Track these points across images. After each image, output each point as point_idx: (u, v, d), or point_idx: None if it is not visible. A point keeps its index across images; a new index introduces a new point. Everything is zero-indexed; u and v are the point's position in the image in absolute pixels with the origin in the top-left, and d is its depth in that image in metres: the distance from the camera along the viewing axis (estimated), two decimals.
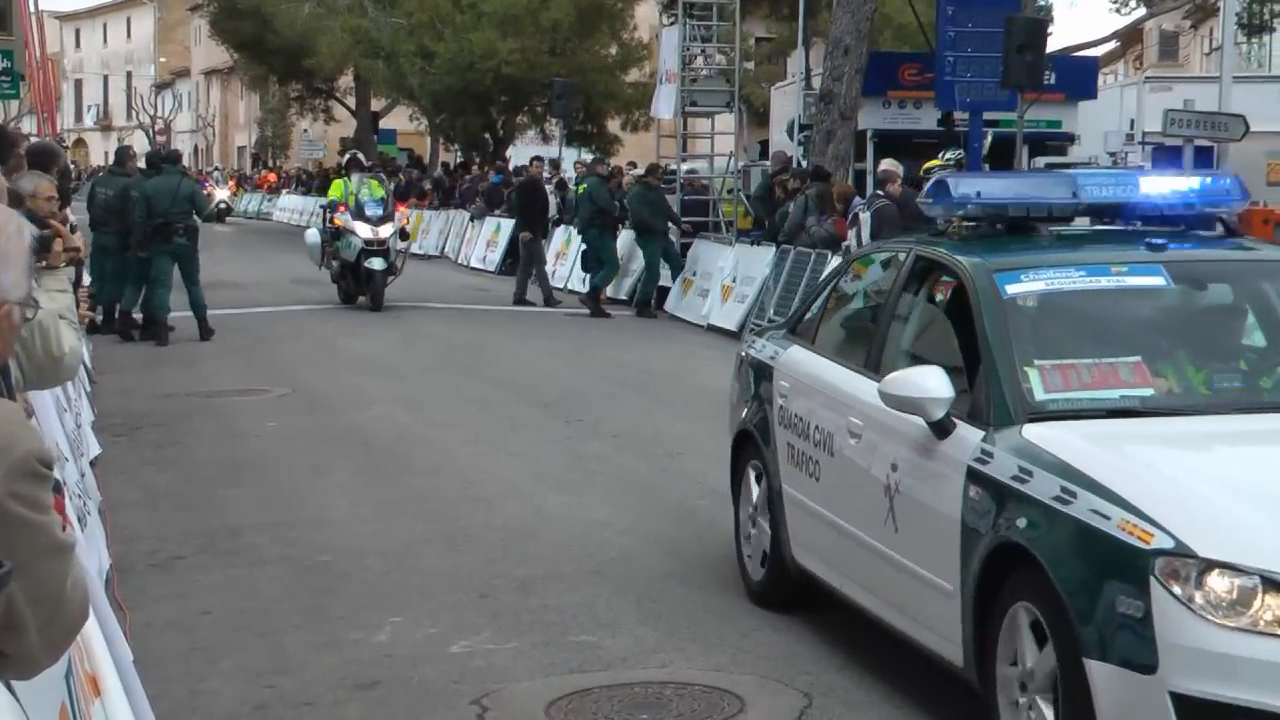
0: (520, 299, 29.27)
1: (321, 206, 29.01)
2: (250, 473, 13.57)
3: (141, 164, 26.48)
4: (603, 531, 11.27)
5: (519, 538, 11.09)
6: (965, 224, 8.66)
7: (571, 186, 34.24)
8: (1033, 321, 7.69)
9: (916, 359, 8.00)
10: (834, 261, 22.16)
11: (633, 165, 36.68)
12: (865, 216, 20.15)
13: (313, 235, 28.88)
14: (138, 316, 23.44)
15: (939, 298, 8.44)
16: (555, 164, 40.87)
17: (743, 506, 9.88)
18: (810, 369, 9.13)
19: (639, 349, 22.97)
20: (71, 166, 32.46)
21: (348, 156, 31.54)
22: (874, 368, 8.27)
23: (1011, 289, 7.69)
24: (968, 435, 7.15)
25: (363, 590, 9.83)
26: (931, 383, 7.27)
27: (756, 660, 8.46)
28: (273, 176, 78.66)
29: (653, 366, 20.86)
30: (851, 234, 20.96)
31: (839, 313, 9.76)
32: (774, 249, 24.09)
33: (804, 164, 27.88)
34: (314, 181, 65.80)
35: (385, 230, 27.20)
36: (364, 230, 26.96)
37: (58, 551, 3.23)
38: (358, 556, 10.59)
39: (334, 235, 27.74)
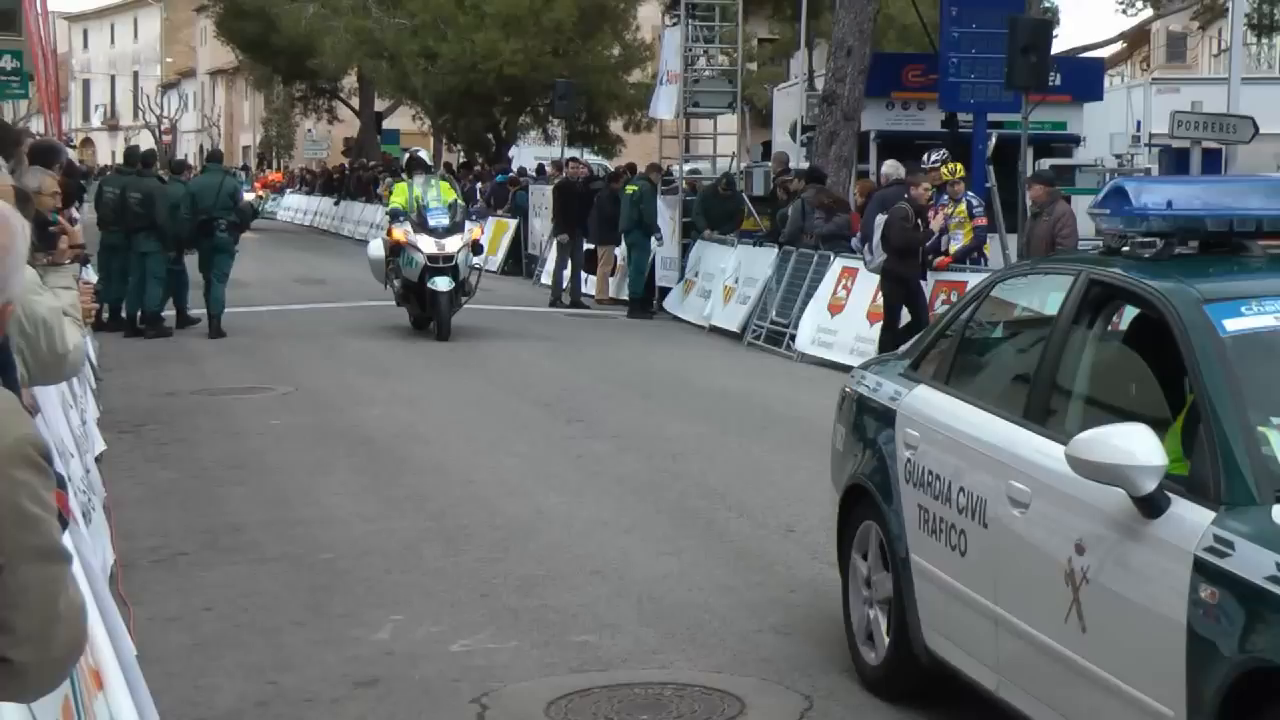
0: (556, 300, 29.41)
1: (388, 214, 24.49)
2: (253, 470, 13.62)
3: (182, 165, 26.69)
4: (603, 531, 11.31)
5: (519, 537, 11.13)
6: (1143, 239, 7.00)
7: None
8: (1263, 367, 6.21)
9: (1098, 409, 6.69)
10: (837, 263, 22.19)
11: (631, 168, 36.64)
12: (879, 219, 20.06)
13: (375, 248, 24.96)
14: (168, 315, 23.95)
15: (1124, 332, 7.15)
16: (558, 164, 40.91)
17: (854, 575, 8.36)
18: (948, 416, 7.56)
19: (640, 349, 23.01)
20: (79, 165, 32.51)
21: (408, 155, 26.63)
22: (1037, 418, 6.84)
23: (1231, 325, 6.15)
24: (1191, 516, 5.61)
25: (364, 588, 9.86)
26: (1138, 446, 5.69)
27: (757, 662, 8.49)
28: (278, 176, 78.70)
29: (653, 367, 20.91)
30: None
31: (980, 347, 8.39)
32: (776, 250, 24.12)
33: (803, 166, 27.90)
34: (318, 181, 65.87)
35: (452, 244, 23.16)
36: (427, 244, 23.02)
37: (52, 555, 3.18)
38: (359, 554, 10.63)
39: (395, 250, 23.73)
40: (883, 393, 8.29)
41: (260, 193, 69.00)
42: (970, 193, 21.15)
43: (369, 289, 27.88)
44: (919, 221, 19.67)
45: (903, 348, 9.46)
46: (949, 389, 7.78)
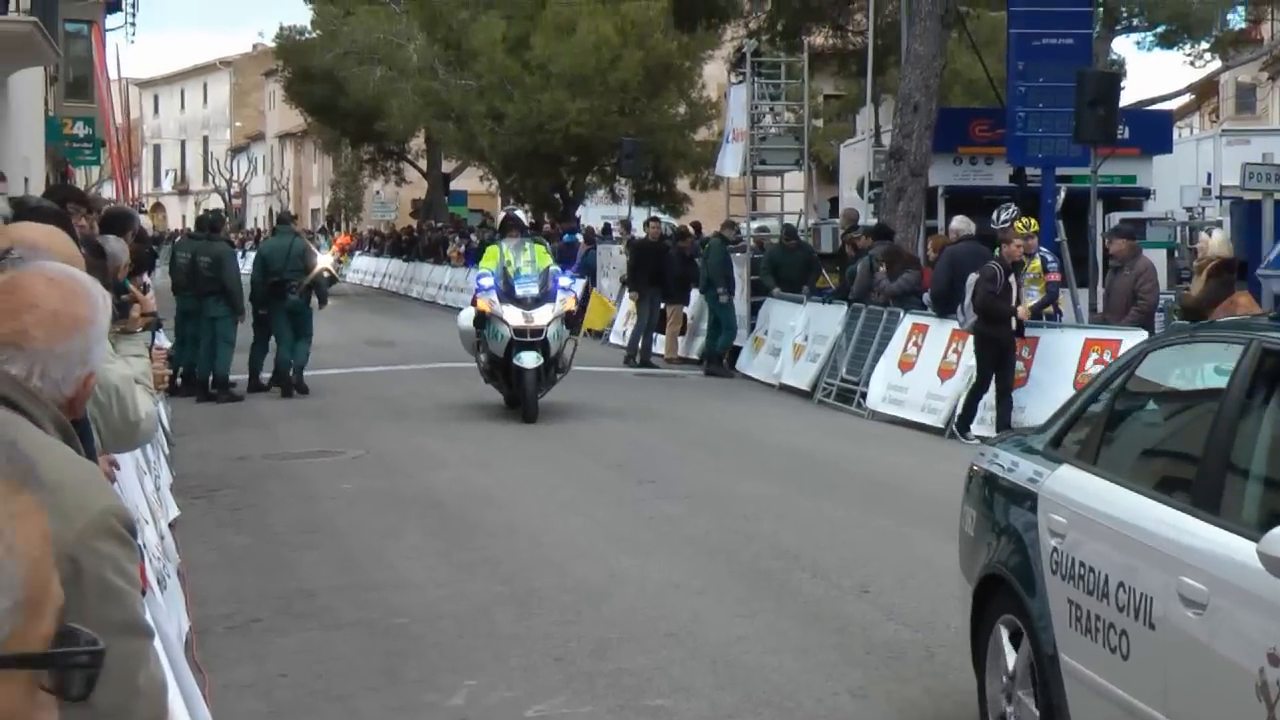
0: (630, 359, 29.39)
1: (479, 279, 21.83)
2: (325, 535, 13.63)
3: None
4: (676, 594, 11.25)
5: (592, 600, 11.09)
6: None
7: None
8: None
9: None
10: (907, 320, 22.11)
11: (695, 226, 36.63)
12: (971, 279, 19.81)
13: (465, 318, 22.25)
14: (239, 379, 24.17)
15: None
16: (625, 224, 41.03)
17: (991, 674, 7.63)
18: (1101, 501, 6.78)
19: (710, 409, 22.96)
20: (150, 231, 32.81)
21: (503, 215, 24.47)
22: (1209, 505, 6.05)
23: None
24: None
25: (437, 653, 9.84)
26: None
27: None
28: (346, 239, 79.19)
29: (724, 426, 20.86)
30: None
31: (1134, 423, 7.58)
32: (846, 307, 24.06)
33: (871, 222, 27.87)
34: (386, 243, 66.20)
35: (542, 315, 20.80)
36: (514, 315, 20.78)
37: (135, 630, 3.17)
38: (432, 619, 10.61)
39: (480, 319, 21.56)
40: (1020, 473, 7.55)
41: (341, 256, 64.95)
42: (1044, 248, 21.01)
43: (438, 351, 27.98)
44: (1009, 282, 19.34)
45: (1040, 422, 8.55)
46: (1099, 470, 7.03)
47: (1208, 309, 18.10)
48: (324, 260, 41.76)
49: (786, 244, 27.96)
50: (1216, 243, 19.05)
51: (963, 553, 8.13)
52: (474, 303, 21.78)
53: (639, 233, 36.68)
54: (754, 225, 31.17)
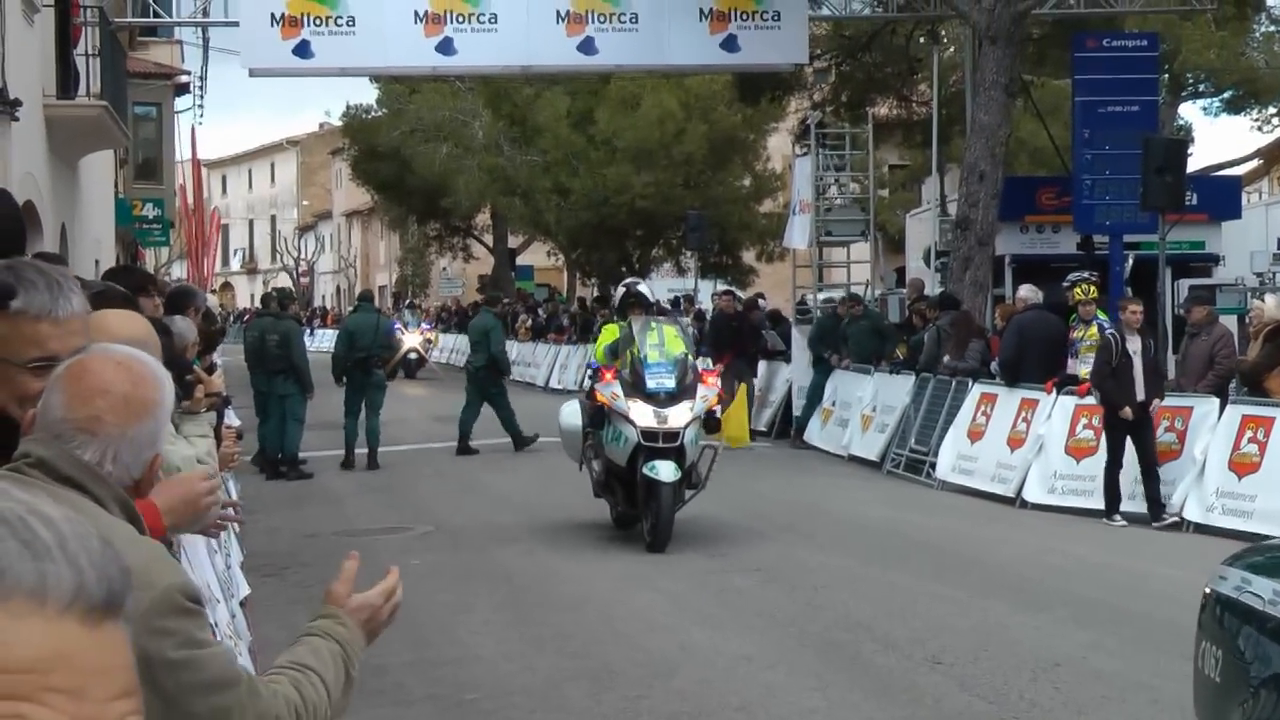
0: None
1: (589, 367, 18.65)
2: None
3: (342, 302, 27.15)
4: (747, 667, 11.19)
5: (663, 674, 11.03)
6: None
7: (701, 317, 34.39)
8: None
9: None
10: (975, 389, 22.00)
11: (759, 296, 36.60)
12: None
13: (569, 415, 18.11)
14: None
15: None
16: (690, 297, 41.10)
17: None
18: None
19: (779, 480, 22.89)
20: (220, 310, 33.11)
21: (623, 288, 19.24)
22: None
23: None
24: None
25: None
26: None
27: None
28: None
29: (793, 498, 20.79)
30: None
31: None
32: (914, 378, 23.97)
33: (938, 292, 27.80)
34: (453, 319, 66.45)
35: (679, 415, 16.48)
36: (644, 414, 16.46)
37: (218, 686, 3.23)
38: (504, 694, 10.58)
39: (596, 416, 17.28)
40: None
41: (430, 336, 57.64)
42: (1101, 316, 20.77)
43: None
44: (1127, 352, 18.33)
45: None
46: None
47: (1265, 373, 17.92)
48: (410, 340, 41.43)
49: (847, 312, 27.70)
50: (1271, 306, 18.84)
51: (1201, 699, 6.56)
52: (590, 395, 17.03)
53: (704, 305, 36.77)
54: (820, 297, 31.16)
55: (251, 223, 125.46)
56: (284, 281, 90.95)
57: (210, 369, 7.18)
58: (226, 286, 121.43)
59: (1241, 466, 17.03)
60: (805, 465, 25.02)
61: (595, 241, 54.44)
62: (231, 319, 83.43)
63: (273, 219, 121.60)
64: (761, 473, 23.90)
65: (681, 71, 39.84)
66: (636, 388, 16.50)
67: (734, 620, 12.89)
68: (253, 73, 29.38)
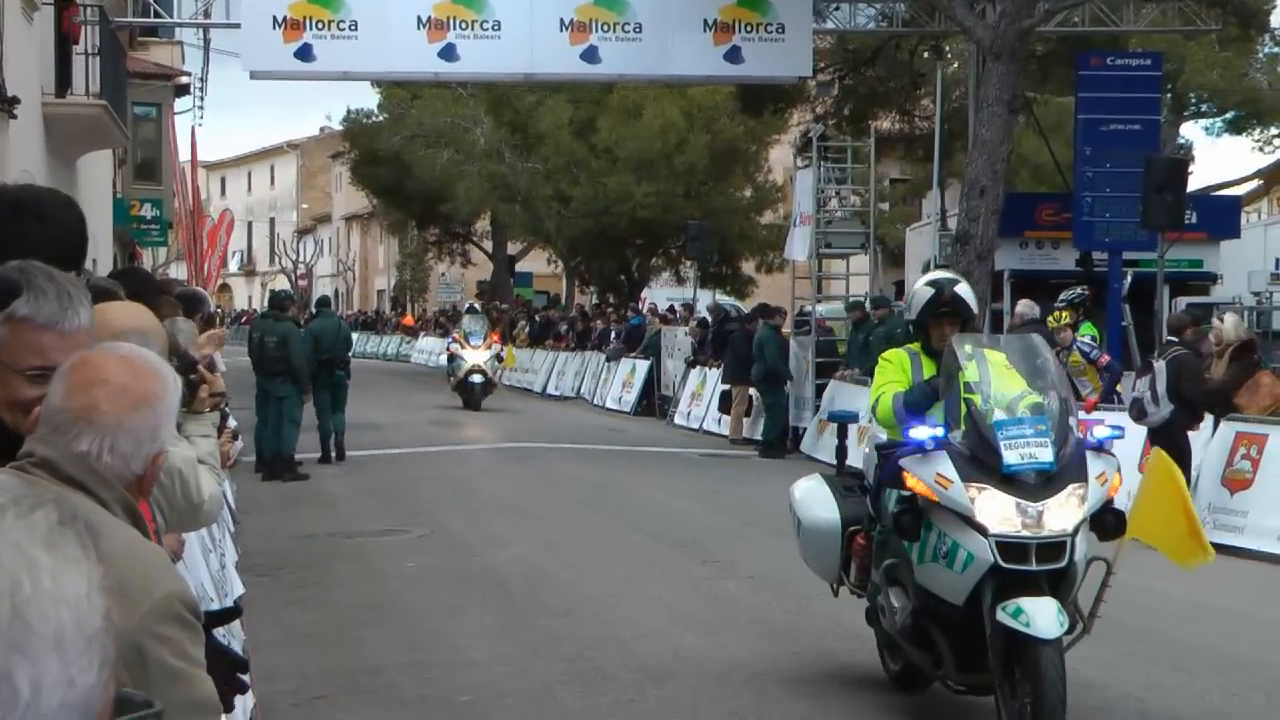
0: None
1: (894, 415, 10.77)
2: (390, 613, 13.64)
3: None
4: (740, 674, 11.21)
5: (655, 679, 11.05)
6: None
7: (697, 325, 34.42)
8: None
9: None
10: None
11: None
12: (1160, 366, 18.81)
13: (813, 501, 11.66)
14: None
15: None
16: (688, 306, 41.13)
17: None
18: None
19: (774, 489, 22.81)
20: (217, 311, 33.23)
21: (924, 289, 10.76)
22: None
23: None
24: None
25: None
26: None
27: None
28: (409, 320, 79.54)
29: (788, 507, 20.75)
30: (1143, 385, 18.51)
31: None
32: None
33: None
34: (451, 325, 66.48)
35: (1062, 513, 9.26)
36: (1001, 512, 9.25)
37: (202, 709, 3.21)
38: (496, 697, 10.60)
39: (905, 516, 9.69)
40: None
41: (504, 347, 45.22)
42: (1081, 339, 20.65)
43: (503, 430, 28.04)
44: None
45: None
46: None
47: (1233, 391, 17.96)
48: (473, 358, 37.41)
49: (880, 314, 27.46)
50: (1230, 325, 18.87)
51: None
52: (887, 472, 9.87)
53: (702, 314, 36.77)
54: (820, 309, 31.17)
55: (250, 225, 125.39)
56: (282, 284, 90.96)
57: (211, 368, 7.16)
58: (224, 288, 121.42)
59: (1234, 483, 17.08)
60: (799, 475, 24.96)
61: (595, 250, 54.48)
62: (229, 320, 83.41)
63: (272, 222, 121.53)
64: (755, 482, 23.91)
65: (684, 82, 39.87)
66: (980, 465, 9.32)
67: (727, 627, 12.91)
68: (254, 75, 29.40)
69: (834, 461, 25.25)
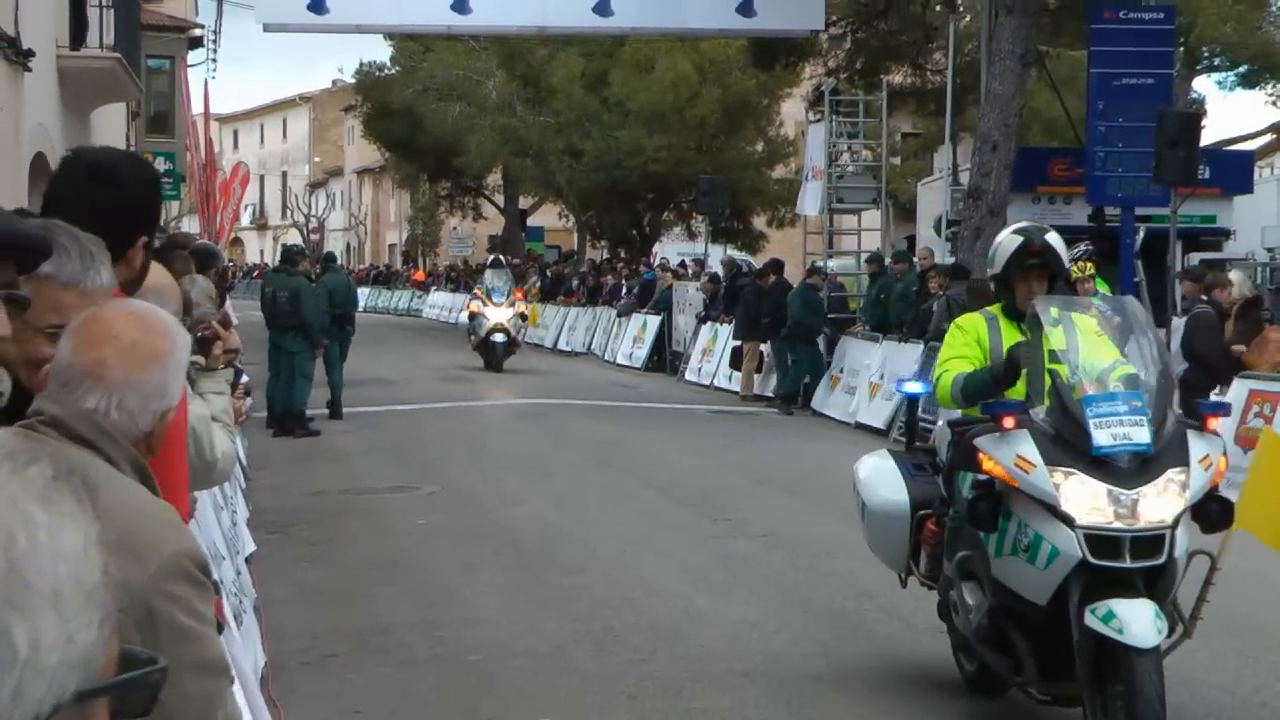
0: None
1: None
2: (401, 570, 13.64)
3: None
4: (751, 633, 11.21)
5: (667, 638, 11.05)
6: None
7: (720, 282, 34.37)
8: None
9: None
10: None
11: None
12: (1178, 323, 18.35)
13: (879, 480, 10.23)
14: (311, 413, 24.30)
15: None
16: (700, 261, 41.08)
17: None
18: None
19: (785, 447, 22.90)
20: (230, 265, 33.23)
21: (1009, 239, 9.50)
22: None
23: None
24: None
25: (512, 691, 9.82)
26: None
27: None
28: (420, 275, 79.53)
29: (800, 465, 20.80)
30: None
31: None
32: (922, 346, 23.95)
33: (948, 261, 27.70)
34: (463, 279, 66.43)
35: (1161, 502, 8.03)
36: (1091, 501, 8.09)
37: (211, 670, 3.20)
38: (507, 656, 10.60)
39: (981, 503, 8.57)
40: None
41: (528, 307, 43.64)
42: (1101, 292, 20.65)
43: (515, 388, 28.05)
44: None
45: None
46: None
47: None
48: (496, 315, 35.56)
49: (898, 269, 27.42)
50: (1236, 282, 18.79)
51: None
52: (961, 451, 8.77)
53: (715, 269, 36.70)
54: (832, 264, 31.12)
55: (263, 178, 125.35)
56: (294, 238, 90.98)
57: (225, 323, 7.14)
58: (236, 242, 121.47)
59: (1247, 441, 17.04)
60: (811, 432, 25.03)
61: (606, 204, 54.40)
62: (241, 275, 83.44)
63: (284, 175, 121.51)
64: (766, 439, 23.92)
65: (697, 35, 39.78)
66: (1066, 446, 8.21)
67: (738, 586, 12.91)
68: (267, 28, 29.35)
69: (846, 419, 25.49)
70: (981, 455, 8.25)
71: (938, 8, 36.38)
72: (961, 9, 39.12)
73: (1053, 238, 9.09)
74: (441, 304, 66.35)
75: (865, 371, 25.64)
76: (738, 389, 30.15)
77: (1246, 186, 32.15)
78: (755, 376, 30.01)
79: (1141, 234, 27.19)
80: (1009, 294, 9.07)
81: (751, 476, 19.51)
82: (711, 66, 49.74)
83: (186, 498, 4.35)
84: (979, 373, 8.85)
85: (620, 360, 38.64)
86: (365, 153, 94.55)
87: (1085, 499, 7.95)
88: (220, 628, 3.61)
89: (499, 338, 35.84)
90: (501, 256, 41.77)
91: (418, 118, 62.81)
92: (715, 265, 38.69)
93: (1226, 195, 30.98)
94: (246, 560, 11.89)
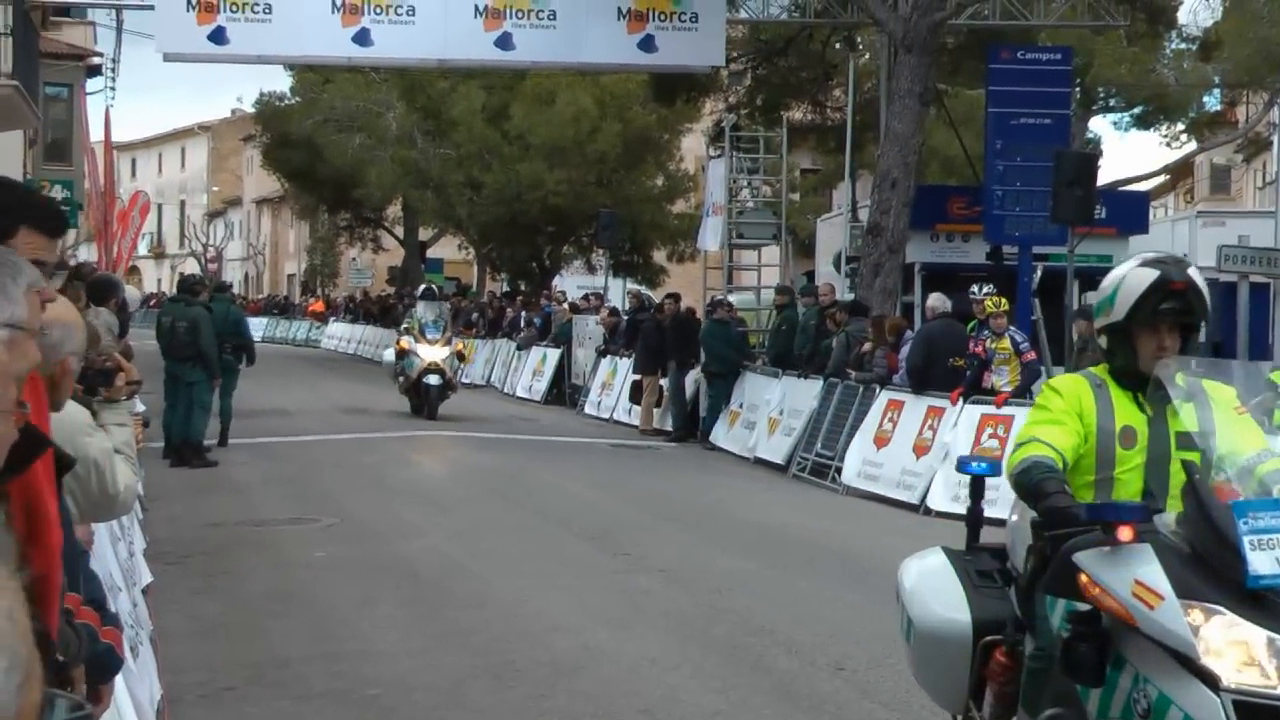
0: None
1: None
2: (298, 603, 13.56)
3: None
4: (651, 668, 11.20)
5: (567, 673, 11.03)
6: None
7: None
8: None
9: None
10: (883, 396, 22.12)
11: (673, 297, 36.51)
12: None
13: (931, 598, 7.45)
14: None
15: None
16: (599, 295, 41.12)
17: None
18: None
19: (684, 481, 22.93)
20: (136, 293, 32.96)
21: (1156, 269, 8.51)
22: None
23: None
24: None
25: None
26: None
27: None
28: (320, 305, 79.15)
29: (699, 499, 20.83)
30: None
31: None
32: (822, 382, 24.06)
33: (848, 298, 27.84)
34: (361, 310, 66.11)
35: None
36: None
37: None
38: (406, 690, 10.55)
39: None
40: None
41: (461, 346, 40.59)
42: (1014, 329, 20.97)
43: (414, 419, 27.94)
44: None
45: None
46: None
47: None
48: (429, 354, 31.28)
49: (806, 303, 27.37)
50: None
51: None
52: (974, 532, 7.72)
53: (614, 303, 36.73)
54: (732, 298, 31.22)
55: (160, 207, 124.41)
56: (192, 267, 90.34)
57: (127, 354, 7.10)
58: (133, 271, 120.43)
59: None
60: (711, 466, 25.08)
61: (507, 237, 54.40)
62: (139, 304, 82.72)
63: (182, 204, 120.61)
64: (666, 473, 23.95)
65: (598, 70, 39.88)
66: (1208, 571, 5.71)
67: (638, 621, 12.90)
68: (167, 57, 29.18)
69: (745, 454, 25.61)
70: (1084, 578, 5.89)
71: (837, 45, 36.64)
72: (861, 47, 39.43)
73: (1195, 273, 6.53)
74: (340, 335, 66.01)
75: (765, 406, 25.70)
76: (637, 423, 30.18)
77: (1142, 226, 32.49)
78: (655, 410, 30.04)
79: (1039, 273, 27.46)
80: (1127, 349, 6.49)
81: (651, 511, 19.52)
82: (612, 101, 49.88)
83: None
84: (1061, 489, 6.11)
85: (520, 393, 38.60)
86: (264, 182, 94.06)
87: (1235, 650, 5.55)
88: (120, 663, 3.57)
89: (433, 379, 31.24)
90: (434, 287, 36.37)
91: (318, 148, 62.56)
92: (615, 299, 38.71)
93: (1123, 235, 31.25)
94: (143, 591, 11.76)
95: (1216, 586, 5.58)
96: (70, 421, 5.22)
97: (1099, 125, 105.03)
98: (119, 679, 6.14)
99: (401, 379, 31.95)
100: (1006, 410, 19.70)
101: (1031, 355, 20.69)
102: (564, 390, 36.77)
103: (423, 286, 36.42)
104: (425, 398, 30.97)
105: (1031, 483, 6.11)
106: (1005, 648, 6.86)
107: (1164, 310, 6.32)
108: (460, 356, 33.46)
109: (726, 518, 19.11)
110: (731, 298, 31.72)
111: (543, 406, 35.92)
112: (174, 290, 32.93)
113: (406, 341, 31.98)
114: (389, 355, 33.48)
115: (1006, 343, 20.35)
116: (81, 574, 5.02)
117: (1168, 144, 47.61)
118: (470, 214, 53.09)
